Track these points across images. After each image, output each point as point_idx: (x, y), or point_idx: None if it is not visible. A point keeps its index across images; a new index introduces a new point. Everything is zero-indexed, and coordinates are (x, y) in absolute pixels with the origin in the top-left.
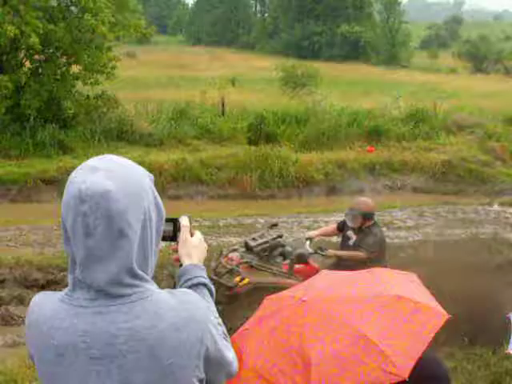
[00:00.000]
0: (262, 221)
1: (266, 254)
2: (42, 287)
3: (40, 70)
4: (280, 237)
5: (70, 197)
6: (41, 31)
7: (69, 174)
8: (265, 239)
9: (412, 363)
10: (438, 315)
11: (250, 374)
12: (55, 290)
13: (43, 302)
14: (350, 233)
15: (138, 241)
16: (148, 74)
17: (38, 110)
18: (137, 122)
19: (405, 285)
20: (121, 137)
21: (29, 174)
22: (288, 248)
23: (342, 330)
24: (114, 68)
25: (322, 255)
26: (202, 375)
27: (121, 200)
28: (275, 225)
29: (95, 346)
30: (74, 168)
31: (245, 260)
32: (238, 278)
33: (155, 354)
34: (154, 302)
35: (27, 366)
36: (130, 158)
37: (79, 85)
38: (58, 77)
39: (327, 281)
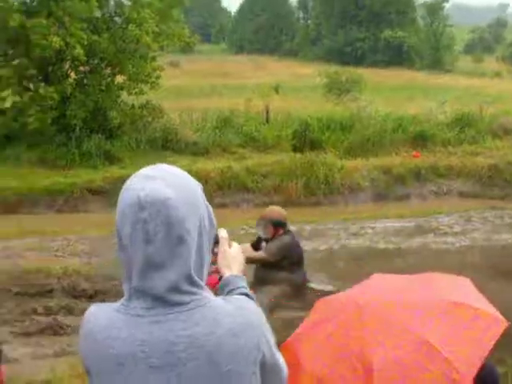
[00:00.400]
0: (308, 228)
1: None
2: (90, 297)
3: (85, 81)
4: None
5: (127, 204)
6: (85, 42)
7: (115, 184)
8: None
9: (475, 370)
10: (497, 322)
11: (309, 379)
12: (103, 300)
13: (98, 313)
14: (262, 245)
15: (195, 248)
16: (191, 82)
17: (83, 120)
18: (182, 131)
19: (462, 290)
20: (166, 146)
21: (75, 185)
22: None
23: (404, 336)
24: (158, 77)
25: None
26: (259, 382)
27: (180, 207)
28: None
29: (154, 355)
30: (120, 178)
31: None
32: None
33: (214, 360)
34: (212, 309)
35: (76, 376)
36: (178, 167)
37: (124, 95)
38: (103, 87)
39: (383, 285)
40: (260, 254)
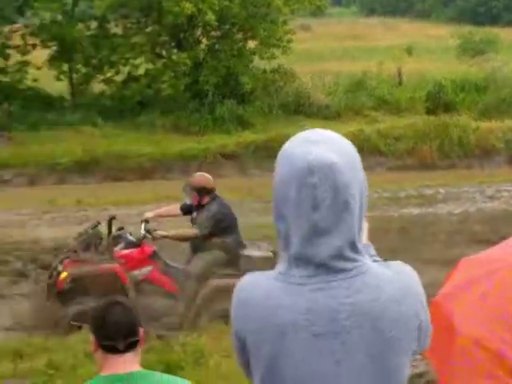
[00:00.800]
0: (442, 191)
1: (88, 245)
2: None
3: (217, 47)
4: (121, 228)
5: (292, 169)
6: (217, 8)
7: (248, 149)
8: (85, 234)
9: None
10: None
11: (467, 342)
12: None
13: (255, 282)
14: (194, 213)
15: (357, 213)
16: (323, 46)
17: (215, 85)
18: (314, 95)
19: None
20: (298, 110)
21: (208, 150)
22: (129, 237)
23: None
24: (289, 41)
25: (151, 238)
26: (415, 348)
27: (345, 172)
28: (113, 218)
29: (318, 323)
30: (253, 142)
31: (64, 256)
32: (62, 275)
33: (378, 327)
34: (374, 275)
35: (214, 338)
36: None
37: (256, 59)
38: (235, 52)
39: None
40: (193, 231)
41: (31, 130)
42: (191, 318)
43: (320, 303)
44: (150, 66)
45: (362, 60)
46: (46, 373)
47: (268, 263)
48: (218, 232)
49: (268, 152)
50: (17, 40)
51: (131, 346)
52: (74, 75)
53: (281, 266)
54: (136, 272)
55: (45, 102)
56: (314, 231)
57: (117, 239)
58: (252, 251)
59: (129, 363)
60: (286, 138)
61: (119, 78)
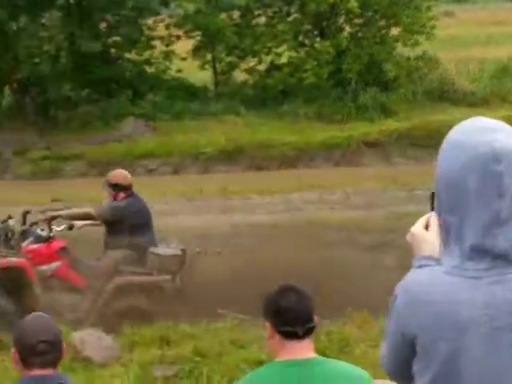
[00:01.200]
0: None
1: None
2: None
3: (360, 34)
4: (35, 223)
5: (472, 157)
6: None
7: (391, 137)
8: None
9: None
10: None
11: None
12: (384, 252)
13: (423, 279)
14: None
15: None
16: (466, 32)
17: (358, 73)
18: (458, 82)
19: None
20: (443, 97)
21: (351, 138)
22: (39, 232)
23: None
24: (433, 28)
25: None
26: None
27: None
28: (28, 212)
29: (497, 317)
30: (396, 131)
31: None
32: None
33: None
34: None
35: (358, 327)
36: (455, 119)
37: (399, 46)
38: (378, 40)
39: None
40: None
41: (175, 120)
42: (95, 314)
43: (497, 297)
44: (293, 54)
45: (508, 46)
46: (193, 359)
47: (175, 261)
48: (127, 229)
49: (412, 140)
50: (161, 31)
51: (308, 332)
52: (218, 65)
53: (452, 260)
54: (44, 267)
55: (188, 92)
56: (496, 221)
57: (26, 234)
58: (160, 249)
59: (306, 349)
60: (431, 125)
61: (262, 67)
